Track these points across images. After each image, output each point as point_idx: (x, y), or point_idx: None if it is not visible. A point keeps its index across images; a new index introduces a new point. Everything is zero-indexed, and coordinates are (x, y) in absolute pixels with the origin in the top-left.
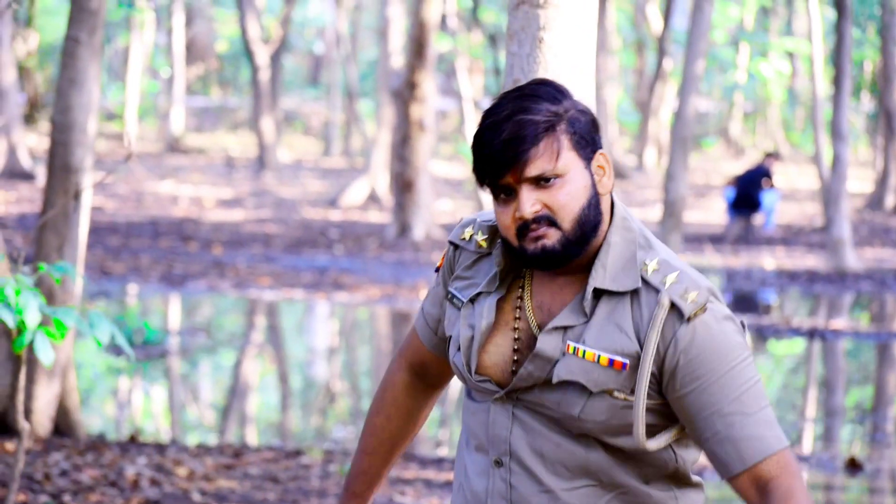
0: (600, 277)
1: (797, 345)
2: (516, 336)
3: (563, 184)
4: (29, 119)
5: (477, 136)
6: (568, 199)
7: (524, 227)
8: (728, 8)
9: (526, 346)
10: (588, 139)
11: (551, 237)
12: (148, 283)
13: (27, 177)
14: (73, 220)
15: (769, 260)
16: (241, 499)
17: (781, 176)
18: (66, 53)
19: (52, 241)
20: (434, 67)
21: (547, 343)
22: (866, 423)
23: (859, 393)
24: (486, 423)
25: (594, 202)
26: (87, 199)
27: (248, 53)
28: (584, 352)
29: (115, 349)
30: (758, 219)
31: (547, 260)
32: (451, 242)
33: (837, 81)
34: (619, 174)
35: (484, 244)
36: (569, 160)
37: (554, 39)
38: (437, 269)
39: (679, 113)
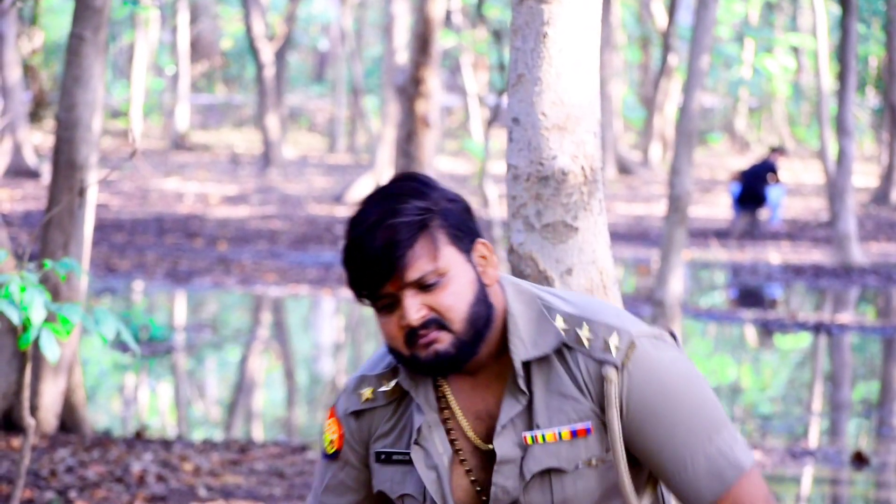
0: (522, 349)
1: (803, 339)
2: (462, 460)
3: (446, 283)
4: (34, 117)
5: (347, 250)
6: (454, 299)
7: (412, 334)
8: (733, 4)
9: (479, 467)
10: (464, 229)
11: (443, 341)
12: (153, 280)
13: (32, 174)
14: (78, 217)
15: (775, 255)
16: (247, 494)
17: (787, 171)
18: (71, 51)
19: (58, 238)
20: (439, 64)
21: (505, 446)
22: (872, 417)
23: (865, 387)
24: None
25: (481, 296)
26: (93, 196)
27: (253, 51)
28: (542, 436)
29: (120, 346)
30: (763, 214)
31: (441, 365)
32: (350, 414)
33: (842, 77)
34: (625, 170)
35: (392, 391)
36: (448, 256)
37: (558, 35)
38: (332, 456)
39: (684, 108)
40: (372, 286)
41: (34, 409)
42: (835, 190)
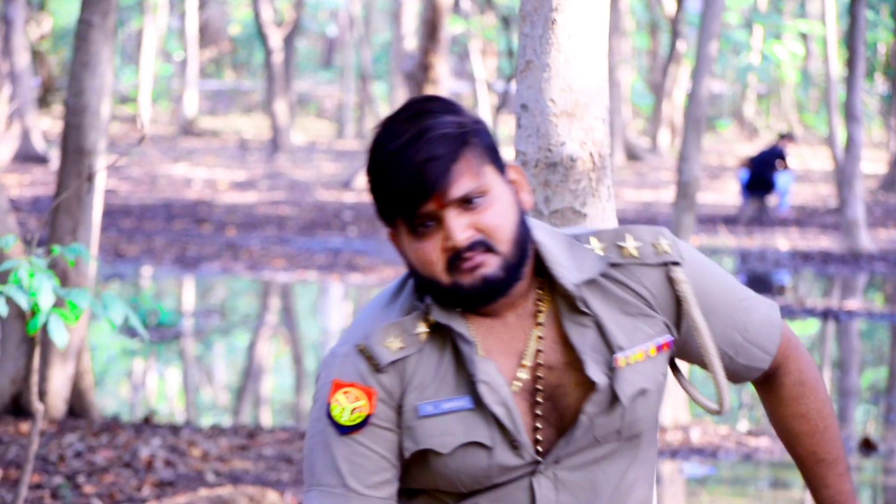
0: (567, 272)
1: (811, 326)
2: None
3: (490, 202)
4: (42, 102)
5: (379, 167)
6: (501, 219)
7: (456, 258)
8: None
9: (526, 402)
10: (497, 150)
11: (490, 264)
12: (162, 266)
13: (41, 160)
14: (86, 203)
15: (783, 241)
16: (255, 479)
17: (795, 157)
18: (80, 37)
19: (66, 224)
20: (447, 50)
21: (596, 375)
22: (880, 403)
23: (873, 374)
24: (528, 502)
25: (522, 219)
26: (101, 182)
27: (262, 36)
28: (633, 356)
29: (129, 331)
30: (772, 200)
31: (489, 291)
32: (378, 370)
33: (851, 63)
34: (634, 156)
35: (426, 332)
36: (489, 175)
37: (567, 21)
38: (357, 426)
39: (693, 95)
40: (411, 204)
41: (43, 395)
42: (843, 176)
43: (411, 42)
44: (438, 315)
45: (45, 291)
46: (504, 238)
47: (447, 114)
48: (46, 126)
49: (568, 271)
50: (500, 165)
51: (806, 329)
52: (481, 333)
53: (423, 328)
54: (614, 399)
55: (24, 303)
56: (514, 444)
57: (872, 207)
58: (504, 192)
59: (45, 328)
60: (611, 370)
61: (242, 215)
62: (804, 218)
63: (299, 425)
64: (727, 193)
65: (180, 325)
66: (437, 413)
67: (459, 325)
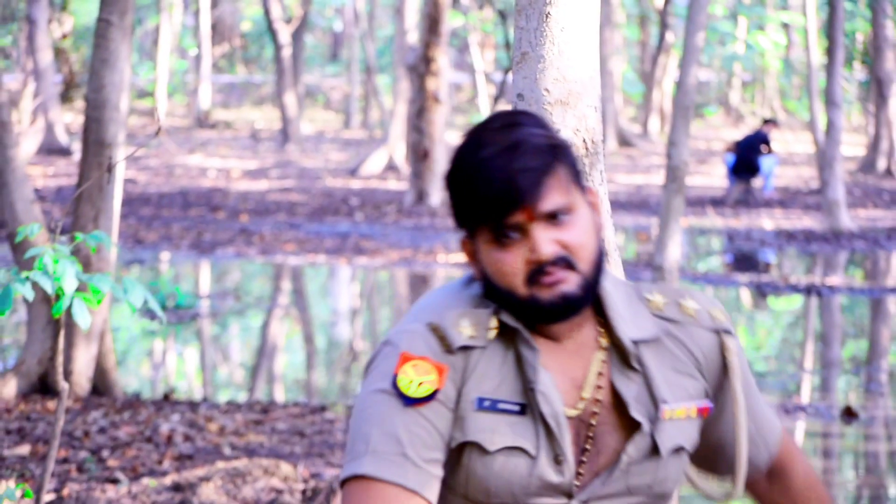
0: (626, 327)
1: (795, 301)
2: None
3: (575, 220)
4: (65, 98)
5: (470, 173)
6: (585, 238)
7: (538, 272)
8: None
9: (578, 434)
10: (580, 171)
11: (570, 282)
12: (179, 251)
13: (64, 152)
14: (107, 192)
15: (768, 221)
16: (270, 452)
17: (779, 141)
18: (99, 35)
19: (88, 212)
20: (448, 43)
21: (641, 417)
22: (861, 374)
23: (854, 346)
24: None
25: (601, 242)
26: (121, 172)
27: (271, 32)
28: (678, 411)
29: (148, 313)
30: (757, 182)
31: (566, 308)
32: (449, 352)
33: (831, 52)
34: (625, 142)
35: (496, 329)
36: (575, 194)
37: (560, 14)
38: (424, 399)
39: (681, 83)
40: (500, 213)
41: (68, 374)
42: (824, 159)
43: (413, 36)
44: (507, 318)
45: (69, 276)
46: (586, 257)
47: (538, 127)
48: (69, 120)
49: (626, 325)
50: (582, 186)
51: (790, 304)
52: (543, 352)
53: (493, 325)
54: (654, 450)
55: (49, 287)
56: (557, 460)
57: (852, 188)
58: (587, 212)
59: (69, 311)
60: (654, 421)
61: (255, 202)
62: (787, 199)
63: (311, 401)
64: (714, 176)
65: (197, 307)
66: (491, 409)
67: (525, 332)
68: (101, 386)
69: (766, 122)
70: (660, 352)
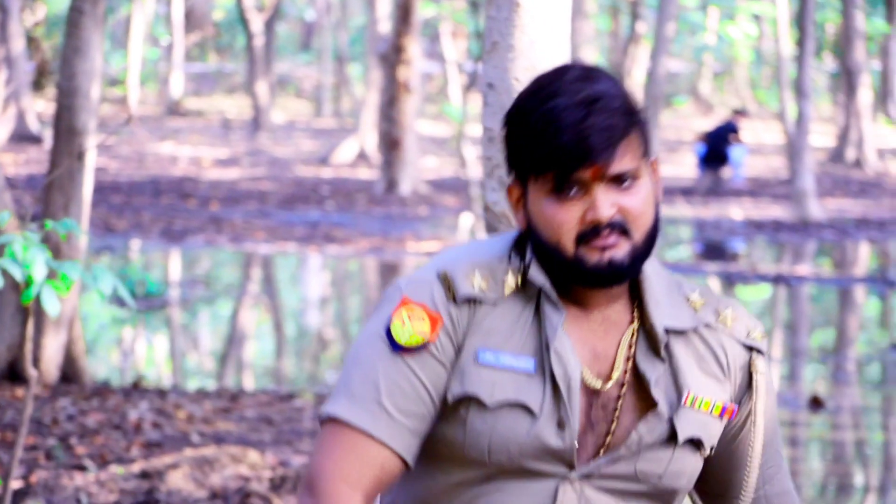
0: (661, 314)
1: (763, 290)
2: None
3: (638, 188)
4: (37, 85)
5: (542, 119)
6: (644, 206)
7: (592, 232)
8: None
9: (585, 407)
10: (650, 140)
11: (622, 248)
12: (149, 239)
13: (35, 140)
14: (77, 180)
15: (737, 210)
16: (238, 440)
17: (748, 132)
18: (71, 23)
19: (59, 200)
20: (419, 32)
21: (661, 398)
22: (828, 363)
23: (822, 335)
24: None
25: (658, 215)
26: (91, 160)
27: (244, 21)
28: (701, 401)
29: (118, 300)
30: (726, 172)
31: (610, 275)
32: (455, 301)
33: (801, 42)
34: None
35: (514, 284)
36: (641, 161)
37: (531, 4)
38: (414, 349)
39: (652, 73)
40: (569, 165)
41: (37, 361)
42: (793, 149)
43: (385, 25)
44: (536, 274)
45: (39, 264)
46: (641, 227)
47: (615, 87)
48: (41, 108)
49: (661, 311)
50: (648, 154)
51: (758, 294)
52: (569, 318)
53: (511, 281)
54: (671, 438)
55: (18, 275)
56: (560, 424)
57: (821, 178)
58: (649, 182)
59: (38, 299)
60: (674, 407)
61: (225, 191)
62: (757, 189)
63: (279, 389)
64: (684, 166)
65: (167, 295)
66: (495, 364)
67: (552, 291)
68: (69, 373)
69: (736, 112)
70: (689, 347)
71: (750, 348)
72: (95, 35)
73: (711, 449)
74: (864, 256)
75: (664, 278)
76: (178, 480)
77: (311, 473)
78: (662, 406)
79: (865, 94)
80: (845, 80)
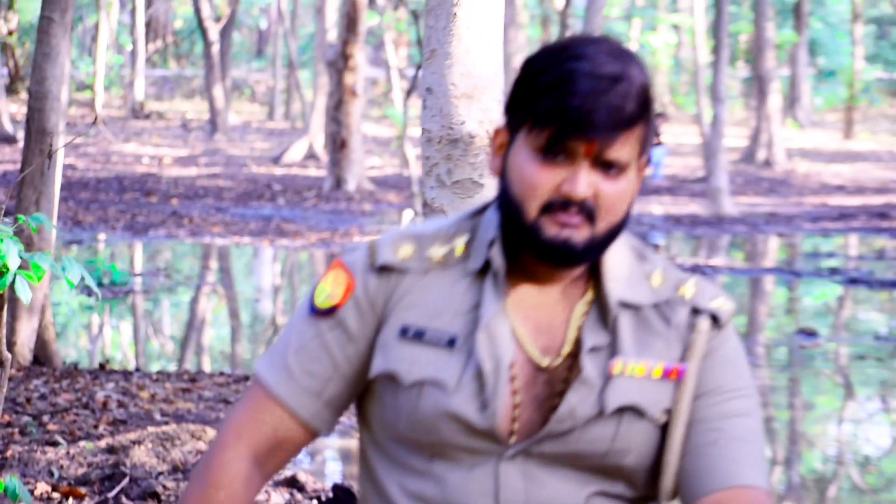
0: (616, 287)
1: None
2: (511, 374)
3: (621, 181)
4: (11, 89)
5: (565, 75)
6: (620, 198)
7: (560, 205)
8: None
9: (527, 383)
10: (651, 140)
11: (581, 232)
12: (114, 232)
13: (9, 139)
14: (48, 177)
15: (657, 207)
16: (197, 418)
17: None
18: (41, 31)
19: (30, 196)
20: (364, 41)
21: (588, 367)
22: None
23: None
24: (492, 491)
25: (630, 211)
26: (61, 159)
27: (201, 30)
28: (633, 367)
29: (86, 289)
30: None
31: (561, 254)
32: (375, 269)
33: (717, 51)
34: None
35: (443, 258)
36: (635, 158)
37: (466, 14)
38: (325, 312)
39: None
40: (568, 129)
41: (11, 345)
42: (709, 150)
43: (333, 34)
44: (496, 254)
45: (12, 255)
46: (609, 219)
47: (642, 76)
48: (14, 110)
49: (618, 286)
50: (645, 153)
51: None
52: (517, 293)
53: (440, 252)
54: (604, 410)
55: None
56: (484, 405)
57: (734, 177)
58: (634, 178)
59: (12, 287)
60: (605, 376)
61: (185, 187)
62: (675, 186)
63: (235, 371)
64: None
65: (131, 284)
66: (416, 337)
67: (501, 267)
68: (41, 356)
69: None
70: (640, 320)
71: (696, 309)
72: (64, 42)
73: (667, 414)
74: (773, 249)
75: (628, 253)
76: (141, 455)
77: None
78: (590, 373)
79: (775, 99)
80: (757, 86)
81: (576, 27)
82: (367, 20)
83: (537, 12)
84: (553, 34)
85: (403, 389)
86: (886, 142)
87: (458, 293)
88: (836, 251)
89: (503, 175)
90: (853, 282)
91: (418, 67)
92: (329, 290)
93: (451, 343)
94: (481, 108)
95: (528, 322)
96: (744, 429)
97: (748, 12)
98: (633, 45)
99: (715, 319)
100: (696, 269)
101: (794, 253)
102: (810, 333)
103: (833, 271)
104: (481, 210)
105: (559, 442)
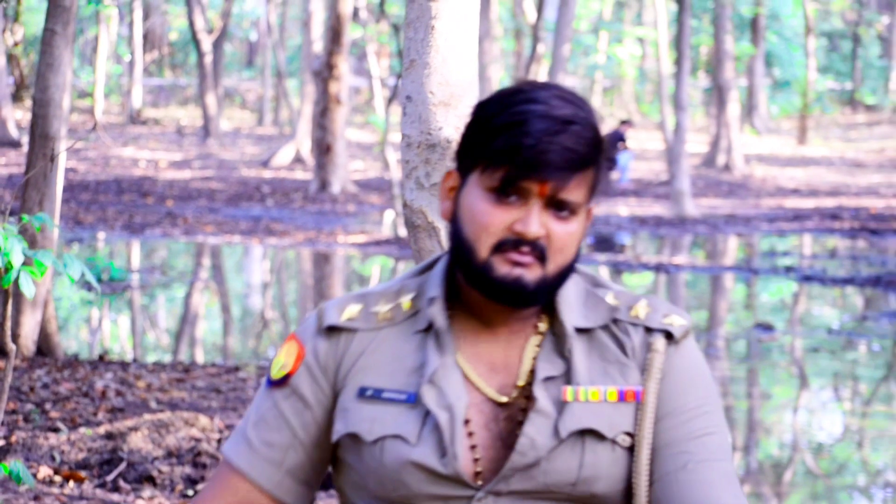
0: (571, 315)
1: (646, 277)
2: (466, 417)
3: (572, 223)
4: (16, 97)
5: (517, 118)
6: (570, 240)
7: (512, 244)
8: (590, 1)
9: (485, 423)
10: (600, 184)
11: (532, 272)
12: (113, 231)
13: (14, 144)
14: (50, 180)
15: (623, 208)
16: (190, 406)
17: (633, 140)
18: (45, 42)
19: (34, 197)
20: (348, 52)
21: (542, 398)
22: (701, 340)
23: (696, 315)
24: None
25: (579, 253)
26: (63, 162)
27: (195, 41)
28: (585, 392)
29: (86, 285)
30: (614, 175)
31: (513, 294)
32: (322, 333)
33: (679, 62)
34: None
35: (389, 314)
36: (584, 201)
37: (444, 27)
38: (278, 382)
39: None
40: (522, 170)
41: (15, 337)
42: (672, 155)
43: (319, 45)
44: (438, 312)
45: (16, 252)
46: (559, 260)
47: (593, 120)
48: (19, 116)
49: (572, 314)
50: (593, 199)
51: (642, 280)
52: (469, 335)
53: (385, 308)
54: (559, 436)
55: None
56: (444, 452)
57: (696, 180)
58: (583, 222)
59: (16, 282)
60: (559, 405)
61: (179, 189)
62: (640, 189)
63: (226, 362)
64: None
65: (128, 280)
66: (375, 398)
67: (443, 324)
68: (44, 348)
69: (623, 122)
70: (594, 343)
71: (650, 329)
72: (66, 53)
73: (631, 437)
74: (732, 248)
75: (578, 284)
76: (138, 441)
77: None
78: (544, 403)
79: (734, 107)
80: (717, 95)
81: (547, 40)
82: (351, 32)
83: (511, 26)
84: (526, 46)
85: (367, 446)
86: (838, 148)
87: (409, 351)
88: (791, 250)
89: (454, 217)
90: (807, 279)
91: (398, 77)
92: (283, 361)
93: (410, 399)
94: (458, 114)
95: (480, 364)
96: (711, 447)
97: (708, 26)
98: (600, 57)
99: (669, 336)
100: (660, 267)
101: (752, 252)
102: (767, 327)
103: (788, 269)
104: (429, 266)
105: (527, 477)
